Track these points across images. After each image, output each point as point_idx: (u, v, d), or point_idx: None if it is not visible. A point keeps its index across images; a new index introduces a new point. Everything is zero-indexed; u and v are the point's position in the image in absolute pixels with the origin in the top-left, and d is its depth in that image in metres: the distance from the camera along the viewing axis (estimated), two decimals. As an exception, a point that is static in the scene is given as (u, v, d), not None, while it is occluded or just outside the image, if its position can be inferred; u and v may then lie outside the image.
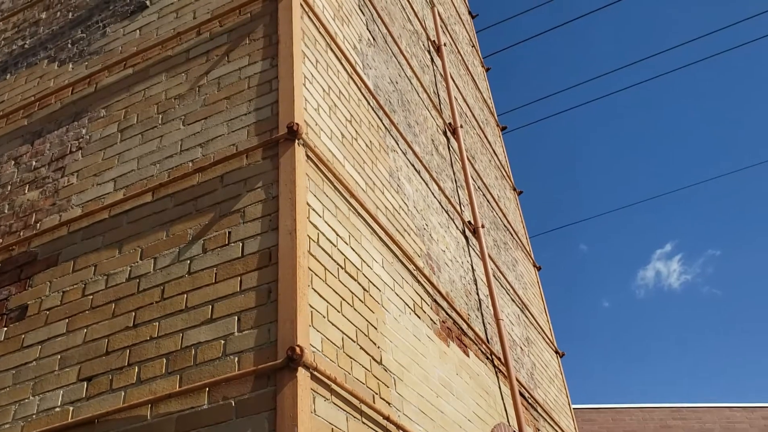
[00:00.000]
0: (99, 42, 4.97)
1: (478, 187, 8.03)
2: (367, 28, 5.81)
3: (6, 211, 4.29)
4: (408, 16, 7.73)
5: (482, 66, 12.34)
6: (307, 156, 3.66)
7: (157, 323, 3.20)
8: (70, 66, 4.96)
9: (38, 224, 4.06)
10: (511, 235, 9.06)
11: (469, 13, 13.06)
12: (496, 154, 10.19)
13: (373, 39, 5.88)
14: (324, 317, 3.17)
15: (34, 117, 4.78)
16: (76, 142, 4.38)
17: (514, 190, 10.73)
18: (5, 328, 3.64)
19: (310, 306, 3.06)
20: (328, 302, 3.25)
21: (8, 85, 5.22)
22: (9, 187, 4.44)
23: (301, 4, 4.40)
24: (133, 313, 3.31)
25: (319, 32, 4.59)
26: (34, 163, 4.47)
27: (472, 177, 7.64)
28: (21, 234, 4.07)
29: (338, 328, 3.26)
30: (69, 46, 5.14)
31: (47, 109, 4.75)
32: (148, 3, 4.95)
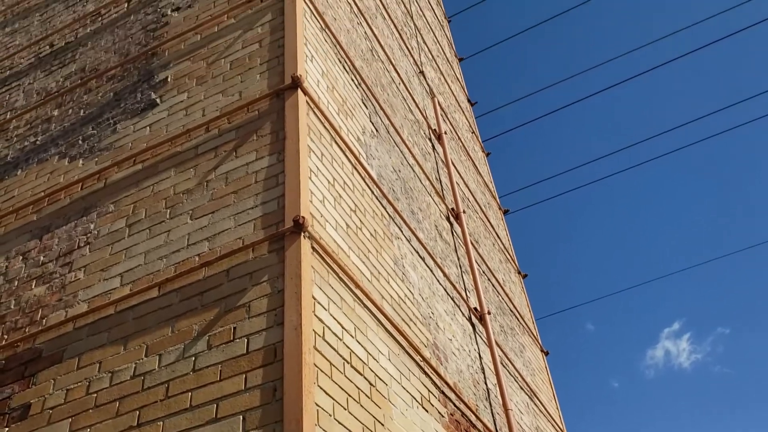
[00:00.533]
0: (109, 138, 5.11)
1: (483, 272, 8.03)
2: (370, 120, 5.98)
3: (12, 306, 4.29)
4: (409, 107, 7.95)
5: (482, 151, 12.58)
6: (313, 248, 3.69)
7: (162, 423, 3.15)
8: (81, 162, 5.08)
9: (44, 320, 4.06)
10: (518, 320, 8.98)
11: (469, 101, 13.43)
12: (499, 238, 10.24)
13: (376, 130, 6.03)
14: (330, 415, 3.11)
15: (43, 212, 4.86)
16: (84, 237, 4.43)
17: (519, 273, 10.71)
18: (7, 429, 3.58)
19: (316, 404, 3.02)
20: (334, 399, 3.20)
21: (19, 181, 5.33)
22: (16, 283, 4.46)
23: (307, 102, 4.55)
24: (138, 412, 3.26)
25: (324, 127, 4.72)
26: (41, 258, 4.51)
27: (476, 262, 7.65)
28: (26, 330, 4.06)
29: (345, 426, 3.20)
30: (80, 142, 5.28)
31: (56, 204, 4.84)
32: (158, 101, 5.12)
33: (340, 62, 5.85)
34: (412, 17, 10.73)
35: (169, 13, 6.13)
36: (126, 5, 6.68)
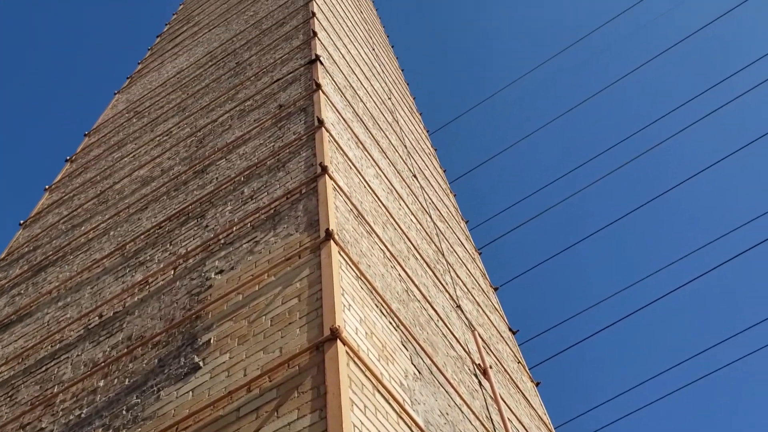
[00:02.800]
0: (153, 407, 5.08)
1: None
2: (412, 363, 5.90)
3: None
4: (450, 343, 7.88)
5: (531, 381, 12.17)
6: None
7: None
8: (123, 433, 5.01)
9: None
10: None
11: (510, 329, 13.34)
12: (563, 475, 9.46)
13: (419, 372, 5.92)
14: None
15: (82, 491, 4.68)
16: None
17: None
18: None
19: None
20: None
21: (61, 458, 5.22)
22: None
23: (346, 352, 4.55)
24: None
25: (366, 376, 4.66)
26: None
27: (541, 507, 7.00)
28: None
29: None
30: (124, 412, 5.25)
31: (97, 481, 4.67)
32: (201, 364, 5.17)
33: (377, 307, 5.95)
34: (443, 254, 11.10)
35: (213, 276, 6.44)
36: (173, 272, 7.07)
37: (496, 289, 14.68)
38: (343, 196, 7.11)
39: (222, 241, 6.98)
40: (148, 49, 20.84)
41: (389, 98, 16.76)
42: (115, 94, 17.67)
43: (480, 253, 16.16)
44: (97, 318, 7.16)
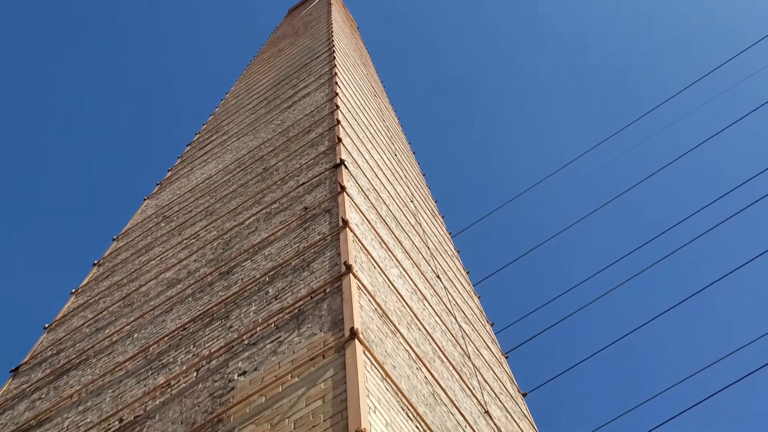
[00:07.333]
0: None
1: None
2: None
3: None
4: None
5: (566, 492, 11.51)
6: None
7: None
8: None
9: None
10: None
11: (540, 436, 12.78)
12: None
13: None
14: None
15: None
16: None
17: None
18: None
19: None
20: None
21: None
22: None
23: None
24: None
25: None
26: None
27: None
28: None
29: None
30: None
31: None
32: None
33: (404, 410, 5.76)
34: (469, 357, 10.84)
35: (235, 377, 6.33)
36: (195, 374, 6.96)
37: (524, 395, 14.20)
38: (368, 295, 7.07)
39: (246, 342, 6.91)
40: (178, 157, 21.55)
41: (412, 201, 16.99)
42: (145, 199, 18.14)
43: (507, 357, 15.78)
44: (117, 423, 7.01)
